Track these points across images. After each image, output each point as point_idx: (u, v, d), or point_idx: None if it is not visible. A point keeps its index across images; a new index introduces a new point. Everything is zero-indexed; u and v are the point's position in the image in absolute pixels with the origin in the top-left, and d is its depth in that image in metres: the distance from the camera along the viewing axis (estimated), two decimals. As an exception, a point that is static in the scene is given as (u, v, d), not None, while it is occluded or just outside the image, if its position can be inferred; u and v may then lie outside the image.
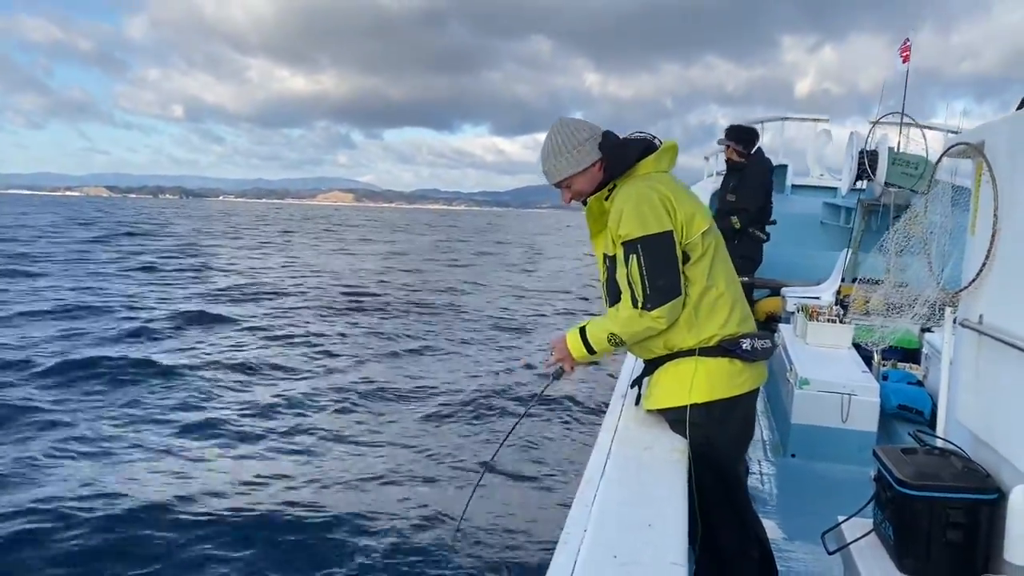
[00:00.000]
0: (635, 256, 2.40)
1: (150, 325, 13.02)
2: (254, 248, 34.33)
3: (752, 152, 6.48)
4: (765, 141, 12.70)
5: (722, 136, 6.53)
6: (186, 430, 7.67)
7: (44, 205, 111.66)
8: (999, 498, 2.25)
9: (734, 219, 6.29)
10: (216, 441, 7.45)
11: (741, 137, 6.44)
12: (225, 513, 5.78)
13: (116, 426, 7.66)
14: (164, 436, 7.51)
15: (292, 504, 5.93)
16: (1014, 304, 2.31)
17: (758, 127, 12.73)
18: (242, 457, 7.05)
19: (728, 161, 6.52)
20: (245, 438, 7.54)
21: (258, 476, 6.53)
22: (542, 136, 2.68)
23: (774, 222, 6.62)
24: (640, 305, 2.42)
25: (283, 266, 26.08)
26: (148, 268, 22.71)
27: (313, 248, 35.82)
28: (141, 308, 14.94)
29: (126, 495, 5.96)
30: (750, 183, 6.39)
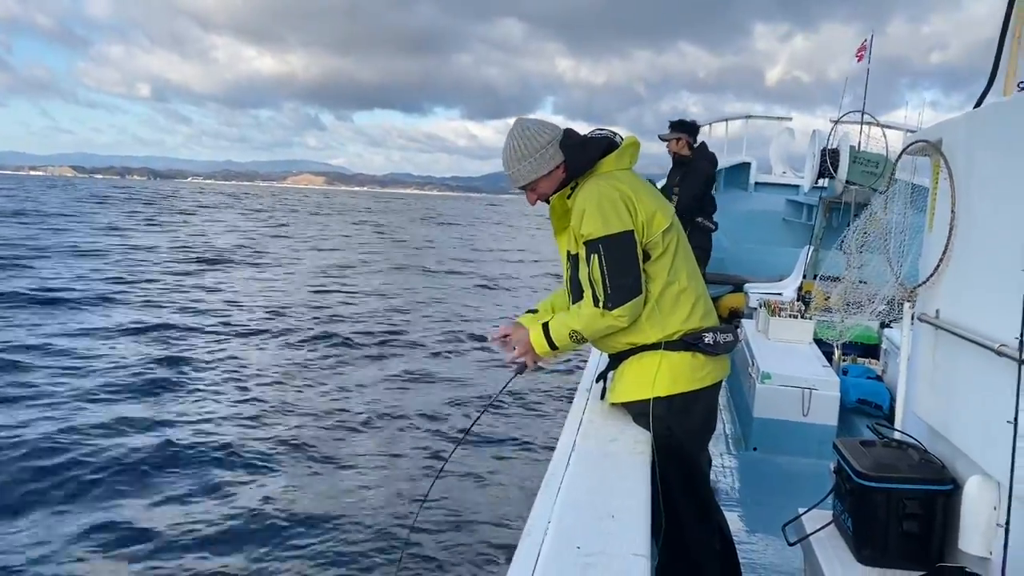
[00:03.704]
0: (596, 256, 2.43)
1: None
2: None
3: (696, 146, 6.31)
4: (729, 138, 12.90)
5: (666, 132, 6.29)
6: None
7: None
8: (954, 489, 2.31)
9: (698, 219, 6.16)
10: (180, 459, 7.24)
11: (690, 129, 6.26)
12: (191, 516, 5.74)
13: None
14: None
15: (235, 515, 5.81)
16: (969, 299, 2.36)
17: (722, 125, 12.93)
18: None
19: (675, 156, 6.29)
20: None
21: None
22: (514, 121, 2.67)
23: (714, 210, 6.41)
24: (601, 304, 2.44)
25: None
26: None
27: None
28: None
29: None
30: (696, 176, 6.19)
